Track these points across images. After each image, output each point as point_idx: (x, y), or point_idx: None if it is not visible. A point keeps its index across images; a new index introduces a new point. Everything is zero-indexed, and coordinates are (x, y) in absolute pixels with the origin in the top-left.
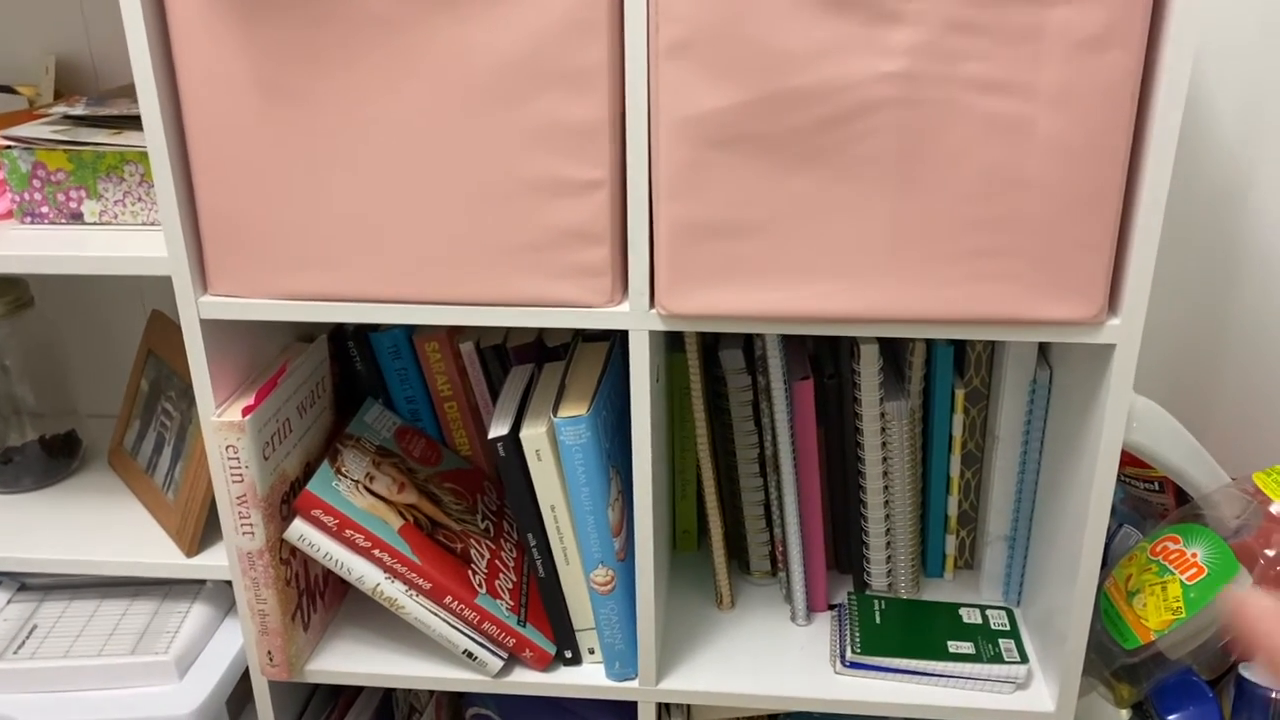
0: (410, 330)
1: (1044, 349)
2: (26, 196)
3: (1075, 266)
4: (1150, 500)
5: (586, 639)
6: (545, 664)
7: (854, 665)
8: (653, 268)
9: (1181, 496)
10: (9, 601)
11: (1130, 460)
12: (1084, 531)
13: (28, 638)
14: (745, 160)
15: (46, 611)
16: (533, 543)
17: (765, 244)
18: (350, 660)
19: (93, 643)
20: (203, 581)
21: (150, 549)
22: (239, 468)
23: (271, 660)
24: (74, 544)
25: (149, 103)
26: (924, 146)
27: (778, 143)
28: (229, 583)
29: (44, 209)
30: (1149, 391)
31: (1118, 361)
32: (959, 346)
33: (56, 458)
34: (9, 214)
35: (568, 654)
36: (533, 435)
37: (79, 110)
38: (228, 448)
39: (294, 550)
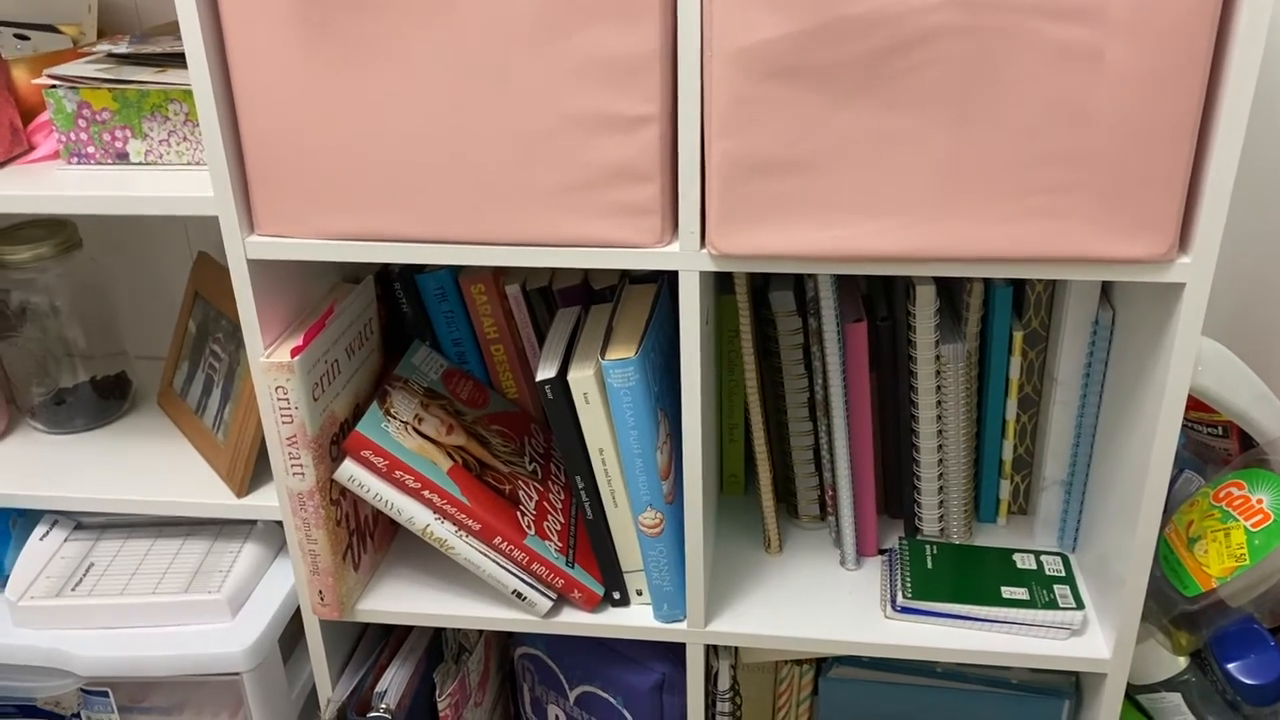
0: (456, 272)
1: (1107, 289)
2: (73, 136)
3: (1145, 202)
4: (1213, 445)
5: (634, 580)
6: (594, 605)
7: (905, 610)
8: (704, 206)
9: (1246, 441)
10: (66, 540)
11: (1193, 404)
12: (1146, 477)
13: (85, 575)
14: (800, 93)
15: (102, 550)
16: (580, 485)
17: (820, 181)
18: (400, 600)
19: (147, 581)
20: (254, 522)
21: (202, 489)
22: (288, 409)
23: (323, 599)
24: (127, 484)
25: (193, 40)
26: (985, 77)
27: (834, 74)
28: (280, 523)
29: (90, 149)
30: (1214, 333)
31: (1187, 302)
32: (1018, 287)
33: (108, 399)
34: (55, 154)
35: (616, 595)
36: (580, 378)
37: (123, 48)
38: (277, 389)
39: (344, 491)
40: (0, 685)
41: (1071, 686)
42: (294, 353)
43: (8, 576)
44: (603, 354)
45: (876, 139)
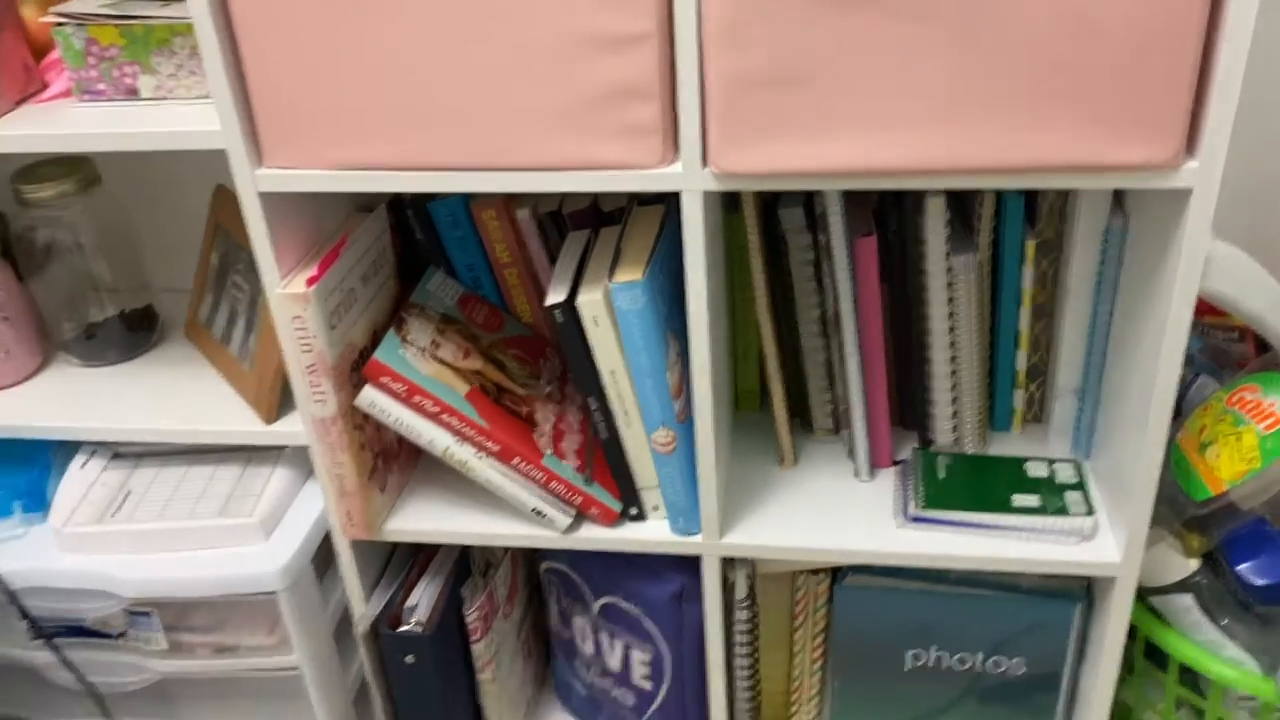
0: (467, 199)
1: (1119, 196)
2: (83, 74)
3: (1150, 107)
4: (1229, 350)
5: (650, 496)
6: (612, 520)
7: (917, 519)
8: (704, 125)
9: (1262, 346)
10: (105, 468)
11: (1209, 309)
12: (1155, 379)
13: (124, 502)
14: (797, 4)
15: (139, 478)
16: (594, 406)
17: (821, 94)
18: (426, 519)
19: (183, 506)
20: (283, 447)
21: (231, 417)
22: (307, 337)
23: (351, 520)
24: (160, 414)
25: None
26: None
27: None
28: (308, 448)
29: (100, 85)
30: (1232, 236)
31: (1194, 207)
32: (1030, 196)
33: (136, 331)
34: (68, 92)
35: (633, 511)
36: (589, 301)
37: None
38: (295, 318)
39: (366, 416)
40: (50, 607)
41: (1083, 590)
42: (309, 283)
43: (51, 505)
44: (611, 276)
45: (878, 49)
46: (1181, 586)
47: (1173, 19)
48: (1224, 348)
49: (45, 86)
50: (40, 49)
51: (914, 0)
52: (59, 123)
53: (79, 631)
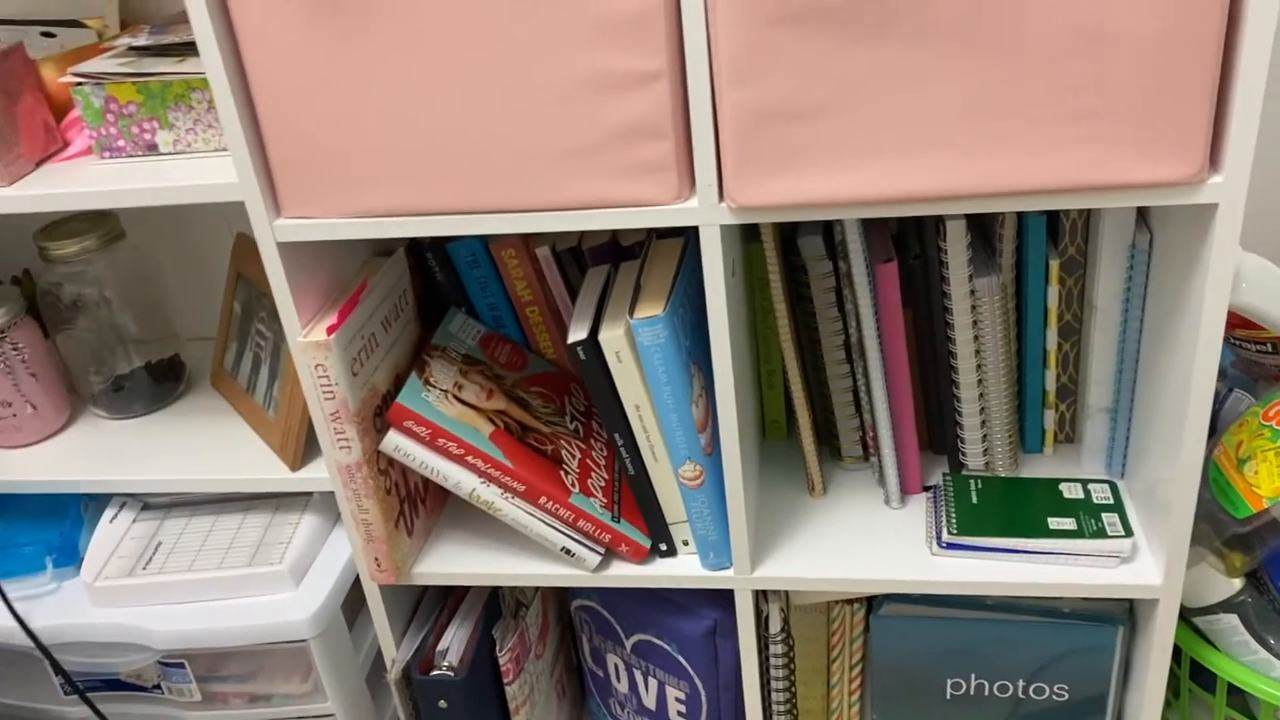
0: (486, 238)
1: (1143, 212)
2: (103, 131)
3: (1171, 124)
4: (1263, 363)
5: (680, 531)
6: (642, 557)
7: (950, 546)
8: (719, 159)
9: None
10: (135, 520)
11: (1240, 322)
12: (1189, 398)
13: (154, 554)
14: (809, 36)
15: (169, 529)
16: (620, 442)
17: (836, 125)
18: (455, 562)
19: (213, 556)
20: (310, 493)
21: (258, 465)
22: (329, 385)
23: (379, 566)
24: (188, 464)
25: (202, 27)
26: (1000, 5)
27: (842, 14)
28: (334, 493)
29: (120, 142)
30: (1260, 247)
31: (1221, 221)
32: (1052, 215)
33: (163, 382)
34: (88, 150)
35: (663, 547)
36: (611, 338)
37: (142, 40)
38: (316, 366)
39: (391, 460)
40: (84, 661)
41: (1125, 613)
42: (330, 330)
43: (82, 558)
44: (632, 312)
45: (891, 78)
46: (1226, 606)
47: (1191, 34)
48: (1257, 360)
49: (66, 145)
50: (60, 108)
51: (927, 29)
52: (80, 180)
53: (113, 685)
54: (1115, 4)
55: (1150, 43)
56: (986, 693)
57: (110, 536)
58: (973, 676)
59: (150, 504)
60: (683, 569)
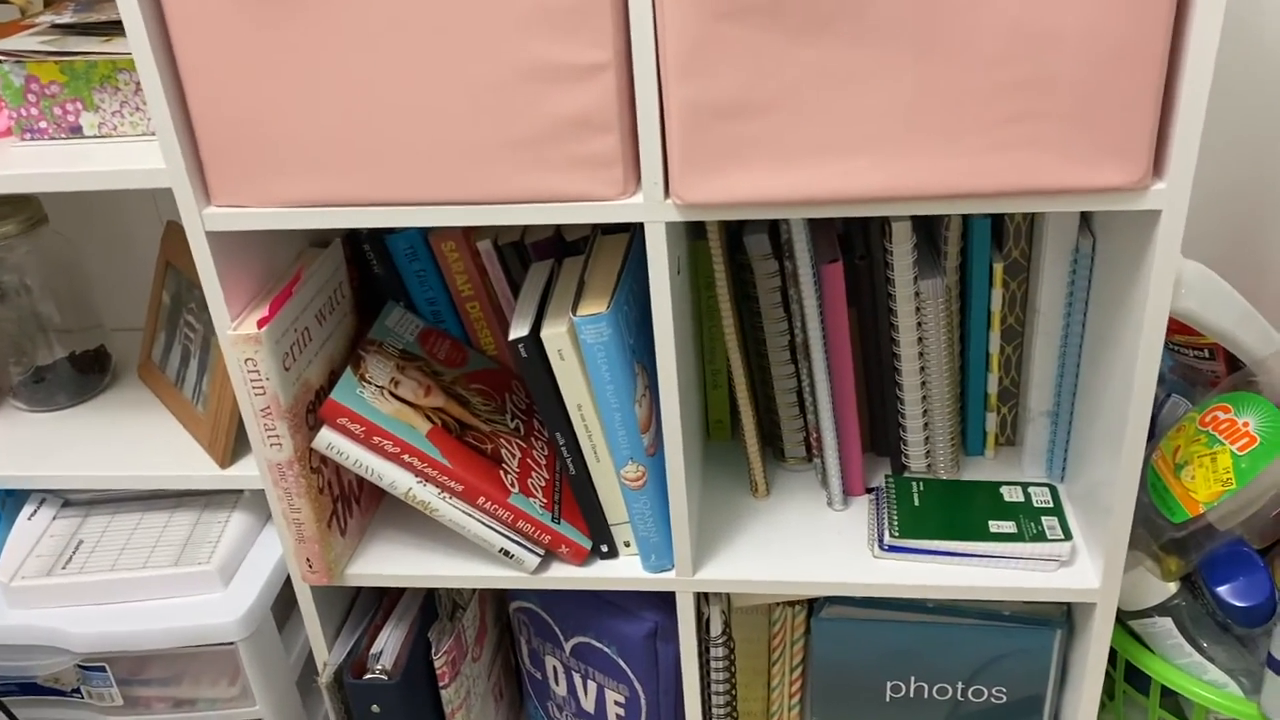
0: (426, 231)
1: (1086, 217)
2: (23, 112)
3: (1115, 129)
4: (1200, 368)
5: (621, 533)
6: (582, 559)
7: (892, 549)
8: (666, 155)
9: (1233, 363)
10: (55, 518)
11: (1179, 328)
12: (1129, 403)
13: (74, 553)
14: (756, 32)
15: (91, 526)
16: (561, 442)
17: (781, 122)
18: (390, 563)
19: (137, 555)
20: (240, 491)
21: (186, 461)
22: (260, 380)
23: (311, 567)
24: (112, 459)
25: (127, 4)
26: (941, 4)
27: (788, 11)
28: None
29: (42, 124)
30: (1199, 254)
31: (1164, 228)
32: (997, 218)
33: (87, 374)
34: (8, 131)
35: (604, 548)
36: (553, 335)
37: (67, 18)
38: (246, 360)
39: (324, 458)
40: None
41: (1063, 616)
42: (260, 324)
43: None
44: (575, 309)
45: (838, 77)
46: (1161, 610)
47: (1136, 40)
48: (1194, 365)
49: None
50: None
51: (874, 28)
52: None
53: (30, 689)
54: (1058, 5)
55: (1094, 46)
56: (926, 695)
57: (28, 534)
58: (912, 679)
59: (71, 500)
60: (624, 570)
